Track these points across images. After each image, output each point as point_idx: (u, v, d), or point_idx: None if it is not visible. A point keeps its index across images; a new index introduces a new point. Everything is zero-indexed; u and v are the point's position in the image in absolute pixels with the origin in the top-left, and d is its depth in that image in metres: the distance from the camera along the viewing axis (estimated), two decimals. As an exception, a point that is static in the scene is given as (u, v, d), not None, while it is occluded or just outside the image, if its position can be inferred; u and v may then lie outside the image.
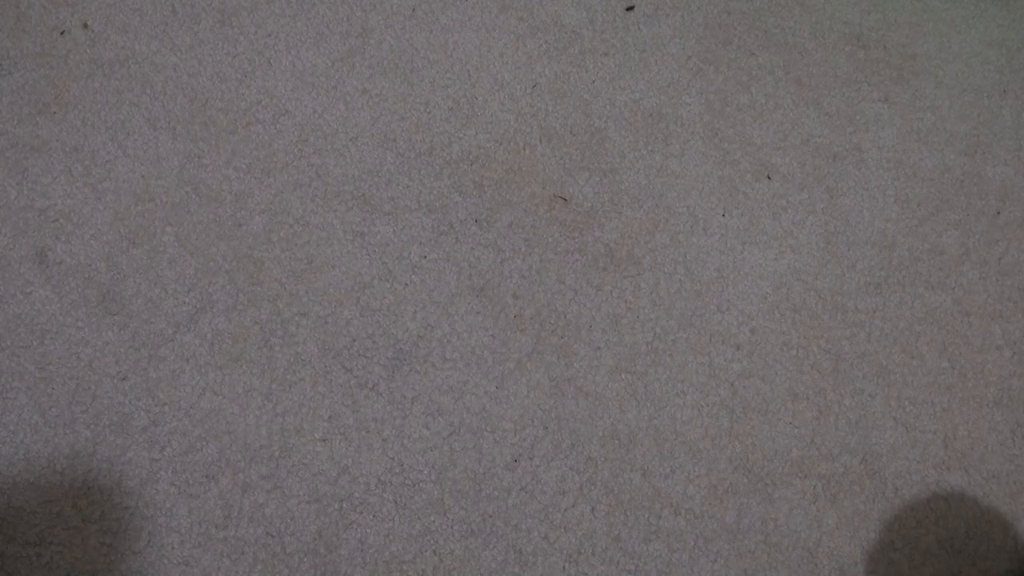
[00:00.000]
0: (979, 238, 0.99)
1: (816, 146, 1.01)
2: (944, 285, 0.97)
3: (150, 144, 0.89)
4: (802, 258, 0.96)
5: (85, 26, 0.92)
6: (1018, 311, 0.97)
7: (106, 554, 0.76)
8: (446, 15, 1.00)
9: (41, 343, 0.81)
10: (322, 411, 0.83)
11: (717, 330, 0.91)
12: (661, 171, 0.97)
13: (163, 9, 0.94)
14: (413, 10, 0.99)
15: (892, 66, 1.06)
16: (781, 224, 0.97)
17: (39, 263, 0.83)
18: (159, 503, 0.78)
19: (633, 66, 1.01)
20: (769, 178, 0.98)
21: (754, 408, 0.89)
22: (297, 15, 0.97)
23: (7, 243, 0.83)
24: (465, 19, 1.00)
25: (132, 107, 0.90)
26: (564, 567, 0.82)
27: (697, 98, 1.01)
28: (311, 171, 0.91)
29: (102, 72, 0.91)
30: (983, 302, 0.97)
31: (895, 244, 0.98)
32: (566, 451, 0.85)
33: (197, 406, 0.81)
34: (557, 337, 0.89)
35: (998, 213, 1.01)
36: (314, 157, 0.91)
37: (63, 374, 0.80)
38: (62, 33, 0.92)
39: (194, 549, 0.77)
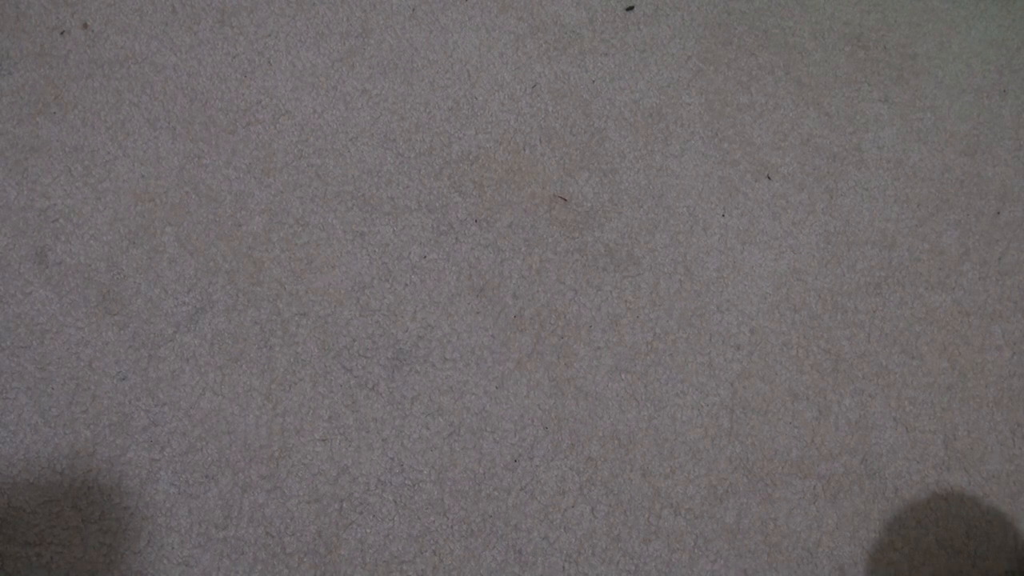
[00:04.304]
0: (979, 238, 0.99)
1: (816, 146, 1.01)
2: (944, 285, 0.97)
3: (150, 144, 0.89)
4: (802, 258, 0.96)
5: (85, 26, 0.92)
6: (1018, 311, 0.97)
7: (106, 554, 0.76)
8: (446, 15, 1.00)
9: (41, 343, 0.81)
10: (322, 411, 0.83)
11: (717, 330, 0.91)
12: (661, 171, 0.97)
13: (163, 9, 0.94)
14: (413, 10, 0.99)
15: (892, 66, 1.06)
16: (781, 224, 0.97)
17: (39, 263, 0.83)
18: (159, 503, 0.78)
19: (633, 66, 1.01)
20: (769, 178, 0.98)
21: (754, 408, 0.89)
22: (297, 15, 0.97)
23: (7, 243, 0.83)
24: (465, 19, 1.00)
25: (132, 107, 0.90)
26: (564, 567, 0.82)
27: (697, 98, 1.01)
28: (311, 171, 0.91)
29: (102, 72, 0.91)
30: (983, 302, 0.97)
31: (895, 244, 0.98)
32: (566, 451, 0.85)
33: (197, 406, 0.81)
34: (557, 337, 0.89)
35: (998, 213, 1.01)
36: (314, 157, 0.91)
37: (63, 374, 0.80)
38: (62, 33, 0.92)
39: (194, 549, 0.77)
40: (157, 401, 0.81)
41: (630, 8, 1.04)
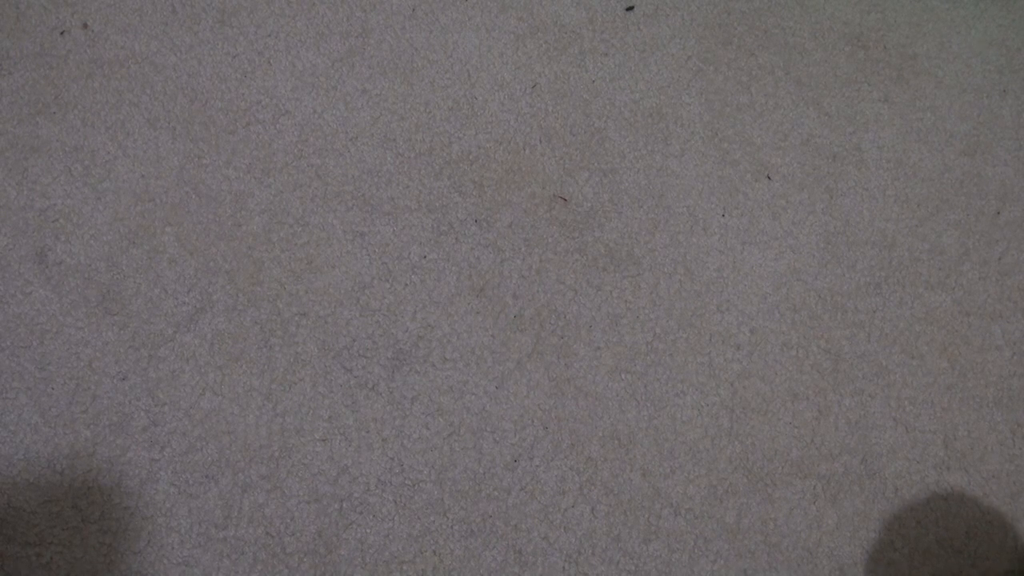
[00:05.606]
0: (979, 238, 0.99)
1: (816, 146, 1.01)
2: (944, 285, 0.97)
3: (150, 144, 0.89)
4: (802, 258, 0.96)
5: (85, 26, 0.92)
6: (1018, 311, 0.97)
7: (106, 554, 0.76)
8: (446, 15, 1.00)
9: (41, 343, 0.81)
10: (322, 411, 0.83)
11: (717, 330, 0.91)
12: (661, 171, 0.97)
13: (163, 9, 0.94)
14: (413, 10, 0.99)
15: (892, 66, 1.06)
16: (781, 224, 0.97)
17: (39, 263, 0.83)
18: (159, 503, 0.78)
19: (633, 66, 1.01)
20: (769, 178, 0.98)
21: (754, 408, 0.89)
22: (297, 15, 0.97)
23: (7, 243, 0.83)
24: (465, 19, 1.00)
25: (132, 107, 0.90)
26: (564, 567, 0.82)
27: (697, 98, 1.01)
28: (311, 171, 0.91)
29: (102, 72, 0.91)
30: (983, 302, 0.97)
31: (895, 244, 0.98)
32: (566, 451, 0.85)
33: (197, 406, 0.81)
34: (557, 337, 0.89)
35: (998, 213, 1.01)
36: (314, 157, 0.91)
37: (63, 374, 0.80)
38: (62, 33, 0.92)
39: (194, 549, 0.77)
40: (157, 401, 0.81)
41: (630, 8, 1.04)
